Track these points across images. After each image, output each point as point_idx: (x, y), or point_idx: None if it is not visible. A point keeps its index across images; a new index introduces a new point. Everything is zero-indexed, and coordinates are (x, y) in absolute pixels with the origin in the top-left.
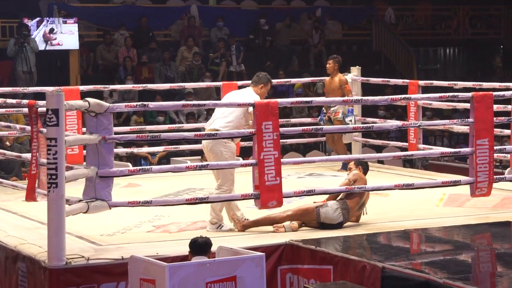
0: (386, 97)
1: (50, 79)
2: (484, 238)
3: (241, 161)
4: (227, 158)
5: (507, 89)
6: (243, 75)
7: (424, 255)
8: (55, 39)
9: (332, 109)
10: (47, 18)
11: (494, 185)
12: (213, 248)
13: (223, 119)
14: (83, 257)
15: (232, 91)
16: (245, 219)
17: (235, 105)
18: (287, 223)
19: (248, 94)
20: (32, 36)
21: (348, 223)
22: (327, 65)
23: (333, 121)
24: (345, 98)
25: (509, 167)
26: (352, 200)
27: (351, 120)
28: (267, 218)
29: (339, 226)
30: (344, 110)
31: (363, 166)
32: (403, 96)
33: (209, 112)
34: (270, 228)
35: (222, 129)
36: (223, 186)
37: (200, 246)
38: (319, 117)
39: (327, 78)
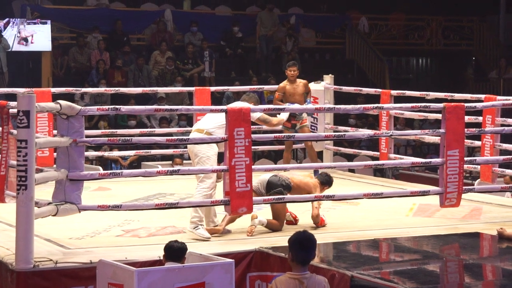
0: (358, 106)
1: (22, 80)
2: (453, 248)
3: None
4: (210, 156)
5: (479, 100)
6: (212, 81)
7: (393, 264)
8: (27, 40)
9: (299, 116)
10: (14, 20)
11: (464, 196)
12: None
13: (212, 120)
14: (51, 260)
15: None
16: (197, 227)
17: (207, 110)
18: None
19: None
20: (4, 36)
21: (317, 231)
22: (292, 72)
23: (300, 129)
24: (318, 106)
25: (479, 179)
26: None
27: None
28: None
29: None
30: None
31: (328, 183)
32: (375, 105)
33: (181, 117)
34: (240, 234)
35: (209, 130)
36: (209, 189)
37: (175, 252)
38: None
39: (286, 85)
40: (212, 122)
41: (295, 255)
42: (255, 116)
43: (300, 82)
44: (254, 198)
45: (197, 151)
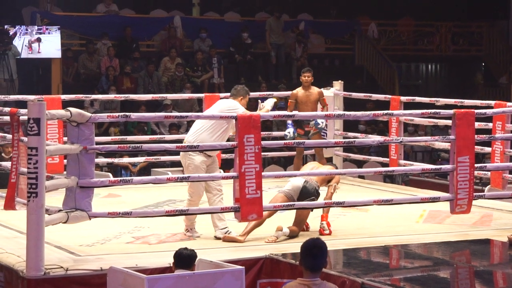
0: (368, 112)
1: (32, 87)
2: (463, 255)
3: (222, 173)
4: (192, 170)
5: (488, 106)
6: (221, 87)
7: (404, 271)
8: (36, 47)
9: (312, 123)
10: (23, 27)
11: (474, 202)
12: None
13: (193, 129)
14: (61, 267)
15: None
16: (228, 232)
17: (217, 117)
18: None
19: (233, 103)
20: (14, 43)
21: (327, 238)
22: (306, 78)
23: (312, 136)
24: (328, 112)
25: (489, 185)
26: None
27: (323, 122)
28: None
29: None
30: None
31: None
32: (385, 112)
33: (190, 124)
34: (250, 241)
35: (189, 142)
36: (191, 196)
37: (184, 260)
38: (290, 130)
39: (299, 92)
40: (191, 132)
41: (305, 262)
42: (240, 112)
43: (314, 89)
44: (264, 205)
45: (185, 166)
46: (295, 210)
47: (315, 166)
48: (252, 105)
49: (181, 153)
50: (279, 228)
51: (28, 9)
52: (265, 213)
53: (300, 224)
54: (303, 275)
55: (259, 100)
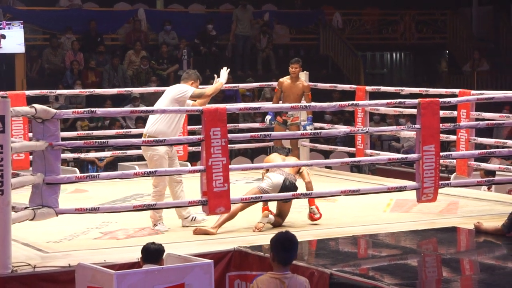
0: (334, 103)
1: None
2: (431, 243)
3: (189, 167)
4: (156, 160)
5: (453, 95)
6: None
7: (372, 260)
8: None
9: (290, 113)
10: None
11: (440, 190)
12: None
13: (152, 123)
14: (29, 264)
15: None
16: (193, 218)
17: (183, 111)
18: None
19: (183, 87)
20: None
21: (295, 228)
22: (294, 69)
23: (290, 126)
24: (295, 104)
25: (455, 173)
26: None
27: (311, 129)
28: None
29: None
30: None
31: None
32: (351, 102)
33: None
34: (218, 234)
35: (149, 133)
36: (157, 187)
37: (152, 254)
38: (268, 118)
39: (285, 81)
40: (149, 123)
41: (276, 255)
42: (187, 95)
43: (301, 83)
44: (232, 197)
45: (147, 158)
46: (276, 206)
47: (283, 158)
48: (218, 97)
49: (142, 147)
50: (265, 215)
51: None
52: (238, 205)
53: (284, 215)
54: (273, 269)
55: (215, 75)
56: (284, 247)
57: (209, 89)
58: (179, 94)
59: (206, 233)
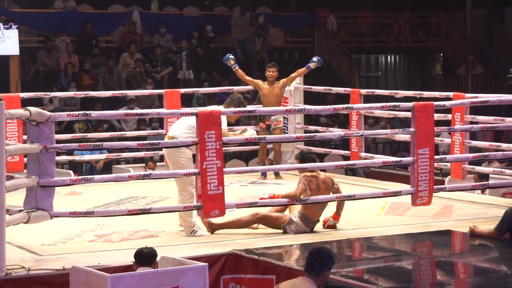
0: (328, 106)
1: None
2: (425, 246)
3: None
4: (183, 164)
5: (447, 98)
6: (191, 82)
7: (367, 263)
8: None
9: (273, 117)
10: None
11: (434, 193)
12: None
13: (182, 124)
14: (23, 267)
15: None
16: (194, 231)
17: (178, 114)
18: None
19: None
20: None
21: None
22: (271, 73)
23: (273, 130)
24: (289, 107)
25: (449, 176)
26: (309, 207)
27: (317, 61)
28: (235, 222)
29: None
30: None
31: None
32: (345, 105)
33: (152, 118)
34: (213, 237)
35: (179, 137)
36: (184, 192)
37: (145, 257)
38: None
39: (263, 85)
40: (181, 126)
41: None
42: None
43: (278, 83)
44: (227, 202)
45: (172, 161)
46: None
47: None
48: (212, 101)
49: (165, 149)
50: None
51: None
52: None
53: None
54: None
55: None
56: (311, 256)
57: (230, 134)
58: None
59: (207, 224)
